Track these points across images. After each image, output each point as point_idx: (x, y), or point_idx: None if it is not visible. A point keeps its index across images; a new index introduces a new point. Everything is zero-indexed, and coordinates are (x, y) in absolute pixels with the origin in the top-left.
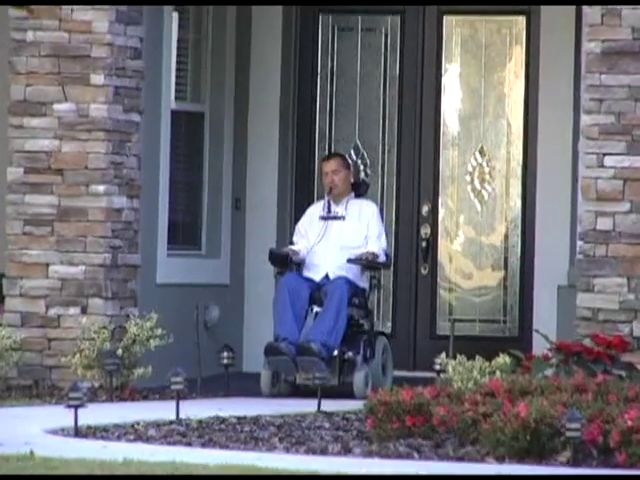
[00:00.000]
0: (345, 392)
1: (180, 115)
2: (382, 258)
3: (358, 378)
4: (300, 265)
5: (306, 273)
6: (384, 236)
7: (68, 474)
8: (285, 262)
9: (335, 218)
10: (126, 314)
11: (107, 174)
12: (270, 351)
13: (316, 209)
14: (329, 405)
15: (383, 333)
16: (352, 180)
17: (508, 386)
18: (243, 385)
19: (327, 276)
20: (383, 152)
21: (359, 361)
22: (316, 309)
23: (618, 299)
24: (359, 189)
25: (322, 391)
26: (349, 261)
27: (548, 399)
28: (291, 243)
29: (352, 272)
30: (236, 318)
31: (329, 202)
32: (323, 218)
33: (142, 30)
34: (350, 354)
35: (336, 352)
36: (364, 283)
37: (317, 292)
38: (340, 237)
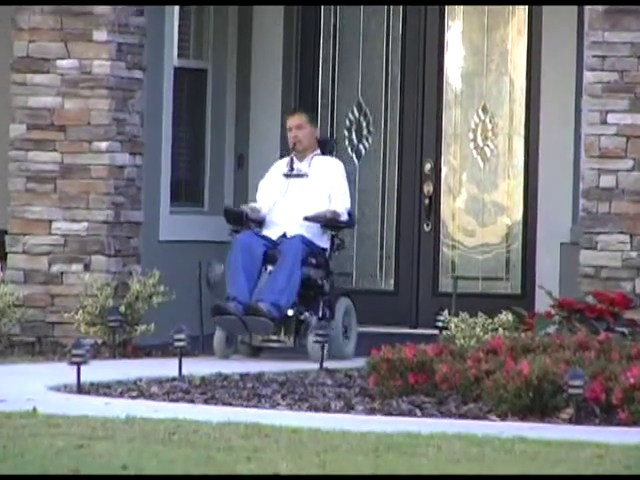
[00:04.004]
0: (302, 354)
1: (183, 72)
2: (344, 217)
3: (312, 340)
4: (262, 224)
5: (265, 232)
6: (348, 195)
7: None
8: (240, 220)
9: (298, 176)
10: (129, 271)
11: (110, 131)
12: (217, 311)
13: (280, 166)
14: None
15: (347, 294)
16: (318, 136)
17: (511, 343)
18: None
19: (285, 235)
20: (386, 110)
21: (314, 322)
22: (270, 268)
23: (621, 256)
24: (326, 147)
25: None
26: (306, 219)
27: (551, 357)
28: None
29: (312, 231)
30: None
31: (292, 159)
32: (286, 175)
33: None
34: (307, 315)
35: (291, 312)
36: (324, 243)
37: (273, 251)
38: (302, 195)
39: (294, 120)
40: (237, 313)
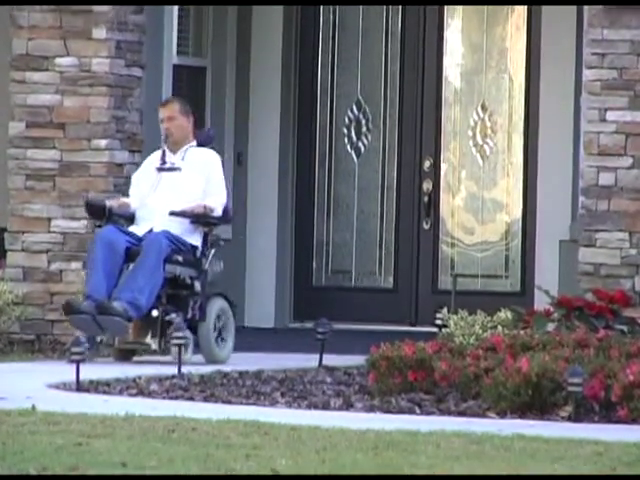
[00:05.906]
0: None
1: (182, 69)
2: (217, 213)
3: (173, 341)
4: (133, 219)
5: (135, 227)
6: (224, 189)
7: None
8: (102, 214)
9: (171, 169)
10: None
11: (109, 129)
12: (68, 309)
13: (153, 159)
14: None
15: (223, 295)
16: (191, 128)
17: (510, 341)
18: (245, 340)
19: (152, 231)
20: (385, 107)
21: (176, 322)
22: (132, 266)
23: (620, 254)
24: (203, 139)
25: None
26: (172, 214)
27: (550, 354)
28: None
29: (182, 227)
30: (238, 272)
31: (164, 152)
32: (158, 169)
33: None
34: (173, 316)
35: (156, 313)
36: (196, 240)
37: (137, 248)
38: (174, 189)
39: (165, 111)
40: (90, 312)
